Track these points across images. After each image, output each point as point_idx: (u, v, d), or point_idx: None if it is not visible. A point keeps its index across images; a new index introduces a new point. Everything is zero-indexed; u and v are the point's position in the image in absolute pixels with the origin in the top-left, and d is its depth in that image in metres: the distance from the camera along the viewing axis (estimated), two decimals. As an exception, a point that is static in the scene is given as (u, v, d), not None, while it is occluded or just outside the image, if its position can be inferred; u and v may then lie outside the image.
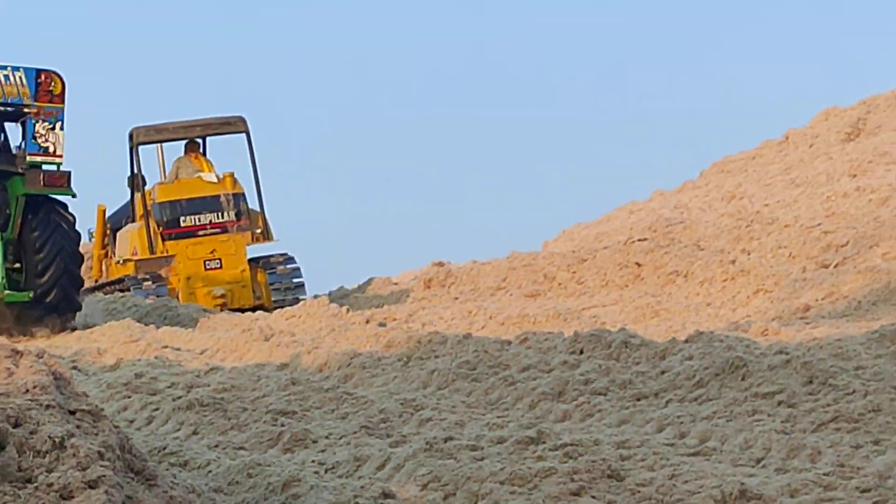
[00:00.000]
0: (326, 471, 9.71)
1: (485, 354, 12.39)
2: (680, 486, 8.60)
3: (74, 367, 12.78)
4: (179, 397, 11.40)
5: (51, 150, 13.12)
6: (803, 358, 11.70)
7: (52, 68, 13.02)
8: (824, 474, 8.84)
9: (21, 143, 14.08)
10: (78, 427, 7.90)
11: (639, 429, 10.87)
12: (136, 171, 26.63)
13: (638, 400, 11.60)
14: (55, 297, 13.97)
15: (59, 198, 14.45)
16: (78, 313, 15.06)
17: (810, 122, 29.48)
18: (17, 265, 13.93)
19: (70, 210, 14.53)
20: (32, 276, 14.03)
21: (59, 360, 9.39)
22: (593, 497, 8.47)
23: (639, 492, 8.66)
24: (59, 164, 13.79)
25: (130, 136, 26.00)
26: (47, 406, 7.38)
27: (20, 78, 12.67)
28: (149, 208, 25.01)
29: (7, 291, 13.67)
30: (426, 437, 10.34)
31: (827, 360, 11.84)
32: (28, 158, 13.55)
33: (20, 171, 13.56)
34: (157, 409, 12.44)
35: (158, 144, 27.21)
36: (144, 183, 26.06)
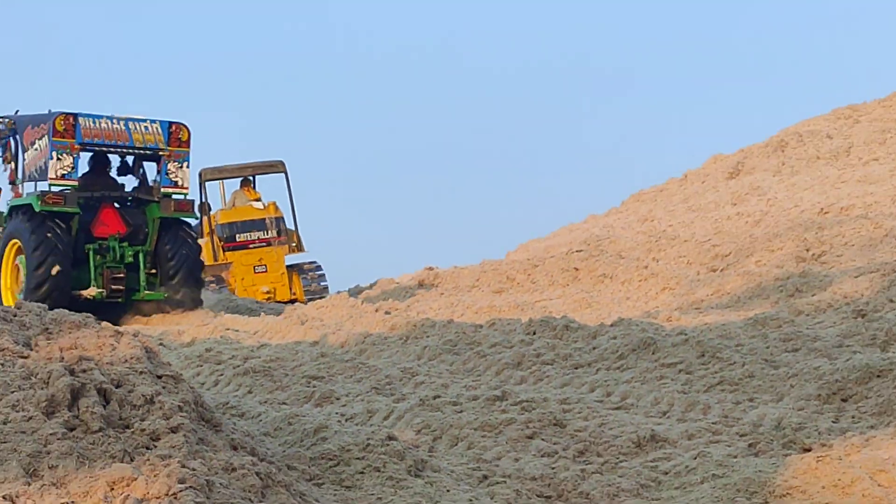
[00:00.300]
0: (346, 420, 9.81)
1: (463, 335, 12.59)
2: (607, 432, 8.71)
3: (161, 344, 12.78)
4: (238, 366, 11.43)
5: (179, 183, 13.55)
6: (697, 338, 11.89)
7: (181, 121, 13.66)
8: (713, 423, 9.09)
9: (156, 178, 14.11)
10: (163, 388, 7.90)
11: (576, 390, 10.93)
12: (203, 200, 26.14)
13: (576, 368, 11.65)
14: (182, 296, 14.08)
15: (186, 219, 14.57)
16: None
17: (703, 165, 29.86)
18: (153, 271, 14.01)
19: (192, 228, 14.82)
20: (165, 280, 14.12)
21: (150, 338, 9.38)
22: (543, 440, 8.61)
23: (577, 436, 8.76)
24: (185, 194, 14.04)
25: (199, 175, 25.48)
26: (140, 372, 7.32)
27: (156, 129, 13.04)
28: (213, 227, 25.22)
29: (146, 291, 13.85)
30: (420, 396, 10.30)
31: (715, 339, 11.94)
32: (162, 190, 13.81)
33: (156, 199, 13.80)
34: (221, 375, 12.38)
35: (220, 181, 27.93)
36: (210, 209, 25.87)
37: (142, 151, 13.90)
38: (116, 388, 7.30)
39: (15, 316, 8.01)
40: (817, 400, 9.47)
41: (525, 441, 8.81)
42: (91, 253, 13.87)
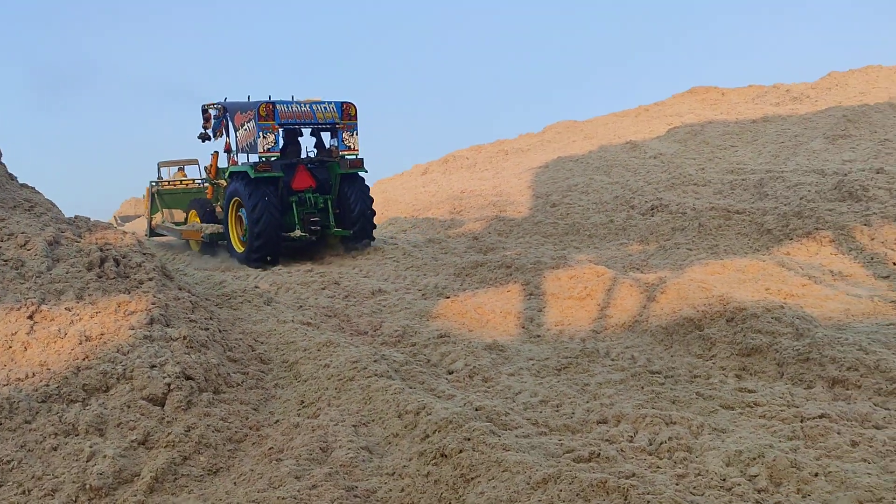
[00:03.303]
0: (236, 279, 11.69)
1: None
2: (359, 288, 11.11)
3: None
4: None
5: (352, 147, 14.06)
6: (403, 246, 14.62)
7: (350, 100, 14.15)
8: (406, 285, 11.19)
9: (333, 143, 14.41)
10: (146, 259, 10.61)
11: (348, 269, 12.78)
12: (159, 177, 30.13)
13: (354, 259, 13.79)
14: (360, 232, 14.29)
15: (359, 174, 14.59)
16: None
17: (411, 168, 31.14)
18: (337, 211, 14.31)
19: (364, 181, 14.78)
20: (347, 220, 14.27)
21: (135, 233, 10.65)
22: (328, 290, 11.05)
23: (345, 288, 11.26)
24: (356, 155, 14.32)
25: (158, 164, 28.46)
26: (135, 251, 9.61)
27: (332, 107, 13.81)
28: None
29: (336, 229, 14.18)
30: (271, 269, 12.81)
31: (410, 247, 14.38)
32: (340, 153, 14.23)
33: (336, 160, 14.24)
34: (175, 256, 15.99)
35: (168, 167, 30.48)
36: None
37: (323, 125, 14.24)
38: (123, 258, 9.57)
39: (72, 222, 10.41)
40: (454, 276, 11.84)
41: (320, 290, 11.33)
42: (294, 204, 14.07)
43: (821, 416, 5.67)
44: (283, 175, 13.76)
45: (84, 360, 6.86)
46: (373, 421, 6.24)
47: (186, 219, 16.49)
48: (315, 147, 14.88)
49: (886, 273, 9.39)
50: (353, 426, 6.09)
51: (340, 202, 14.37)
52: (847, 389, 6.25)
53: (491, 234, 15.41)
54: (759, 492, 4.68)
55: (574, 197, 17.22)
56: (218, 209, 15.63)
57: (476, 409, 6.14)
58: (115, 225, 16.33)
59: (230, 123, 14.52)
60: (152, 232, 17.33)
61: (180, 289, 9.97)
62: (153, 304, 8.46)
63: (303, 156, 14.80)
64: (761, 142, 19.72)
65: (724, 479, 4.83)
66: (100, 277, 9.30)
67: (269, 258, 13.60)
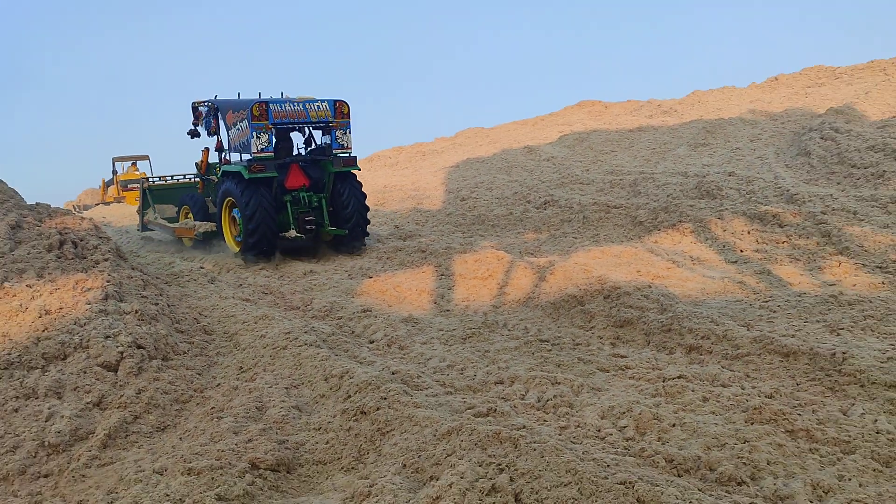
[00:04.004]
0: (183, 260, 11.81)
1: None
2: (290, 270, 11.78)
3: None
4: (140, 237, 12.71)
5: (345, 145, 12.32)
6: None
7: (342, 98, 12.39)
8: (335, 267, 11.01)
9: (324, 142, 12.74)
10: (102, 241, 9.84)
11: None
12: (114, 170, 29.63)
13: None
14: (354, 230, 12.48)
15: (353, 171, 12.75)
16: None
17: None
18: (330, 209, 12.55)
19: (357, 179, 12.96)
20: (341, 219, 12.50)
21: (92, 219, 10.34)
22: (266, 270, 10.95)
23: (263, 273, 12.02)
24: (349, 153, 12.54)
25: (112, 159, 29.32)
26: (92, 234, 9.46)
27: (325, 106, 12.04)
28: (117, 182, 28.70)
29: (330, 227, 12.43)
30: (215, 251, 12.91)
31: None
32: (333, 152, 12.45)
33: (329, 158, 12.44)
34: (131, 240, 14.37)
35: (121, 161, 29.85)
36: (116, 174, 29.54)
37: (316, 124, 12.45)
38: (81, 240, 9.59)
39: (34, 208, 10.08)
40: (377, 259, 11.68)
41: (258, 270, 11.28)
42: (288, 204, 12.28)
43: (679, 377, 5.85)
44: (277, 175, 12.05)
45: (44, 331, 6.69)
46: (302, 384, 6.21)
47: (178, 214, 14.87)
48: (305, 144, 13.22)
49: (735, 259, 9.73)
50: (286, 388, 6.07)
51: (333, 200, 12.63)
52: (701, 355, 6.46)
53: (409, 223, 15.41)
54: (627, 440, 4.81)
55: (480, 192, 17.35)
56: (210, 205, 14.09)
57: (392, 373, 6.16)
58: (75, 212, 15.16)
59: (222, 122, 12.95)
60: (144, 227, 15.47)
61: (133, 269, 9.81)
62: (108, 281, 8.30)
63: (294, 153, 13.24)
64: (636, 148, 20.16)
65: (598, 430, 4.95)
66: (59, 258, 9.13)
67: (265, 252, 11.93)
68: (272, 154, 11.94)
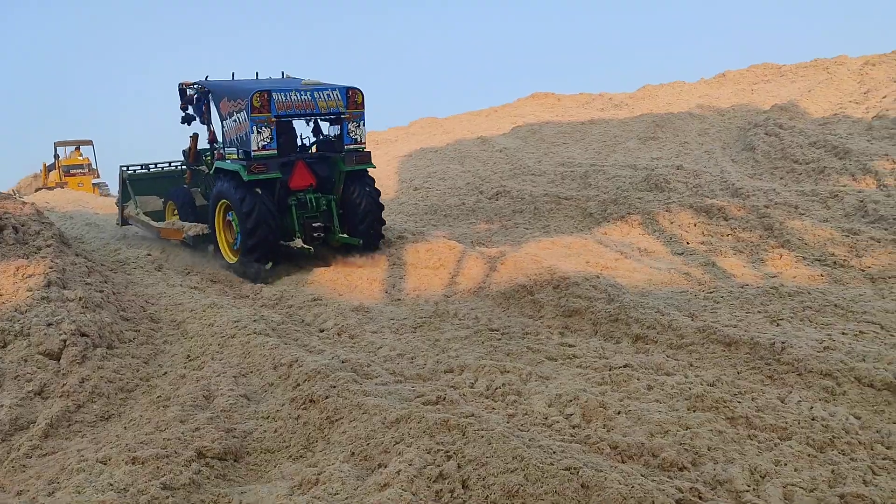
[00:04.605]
0: (129, 248, 11.71)
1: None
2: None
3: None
4: (86, 222, 11.70)
5: (358, 139, 10.41)
6: None
7: (356, 86, 10.43)
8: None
9: (331, 133, 10.88)
10: (44, 227, 9.74)
11: None
12: (56, 155, 28.92)
13: None
14: (368, 238, 10.55)
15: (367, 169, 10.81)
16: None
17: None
18: (340, 212, 10.57)
19: (372, 178, 10.98)
20: (353, 224, 10.58)
21: (35, 204, 10.22)
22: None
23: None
24: (363, 148, 10.61)
25: (54, 143, 28.83)
26: (34, 220, 9.30)
27: (337, 95, 10.09)
28: (59, 166, 28.35)
29: (341, 235, 10.46)
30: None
31: None
32: (345, 147, 10.47)
33: (340, 154, 10.49)
34: (75, 225, 14.05)
35: (64, 146, 29.52)
36: (57, 158, 28.98)
37: (326, 116, 10.52)
38: (22, 226, 9.52)
39: None
40: (328, 247, 10.93)
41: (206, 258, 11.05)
42: (293, 208, 10.33)
43: (625, 366, 5.95)
44: (280, 176, 10.12)
45: (-18, 318, 6.55)
46: (251, 372, 6.17)
47: (164, 210, 12.84)
48: (312, 134, 11.22)
49: (681, 250, 9.93)
50: (234, 377, 6.02)
51: (344, 202, 10.67)
52: (646, 344, 6.59)
53: (361, 212, 15.18)
54: (573, 427, 4.89)
55: (433, 182, 17.39)
56: (199, 196, 12.30)
57: (342, 362, 6.15)
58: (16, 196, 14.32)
59: (216, 110, 10.85)
60: (124, 221, 13.22)
61: (77, 255, 9.68)
62: (50, 268, 8.17)
63: (298, 146, 11.15)
64: (587, 140, 20.38)
65: (546, 418, 5.02)
66: (-1, 244, 8.93)
67: (267, 266, 10.10)
68: (275, 152, 10.03)
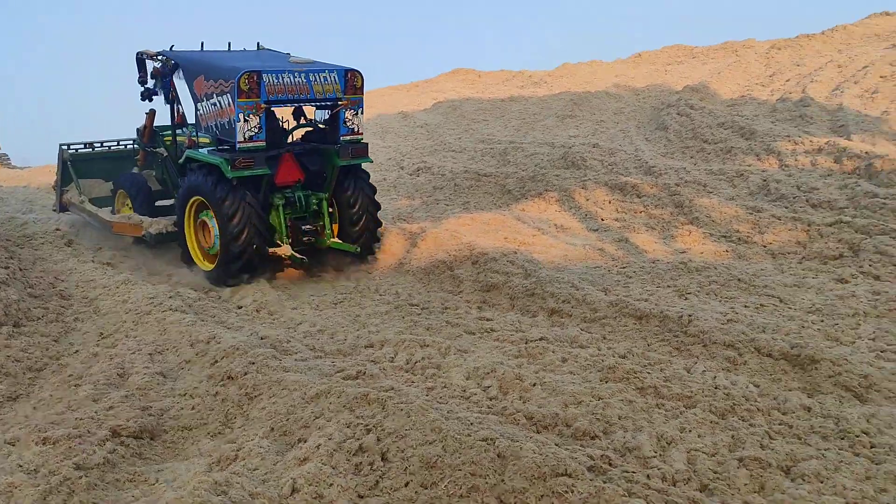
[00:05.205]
0: (37, 222, 11.00)
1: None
2: None
3: None
4: None
5: (356, 130, 8.84)
6: None
7: (356, 68, 8.82)
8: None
9: (320, 119, 9.20)
10: None
11: None
12: None
13: None
14: (363, 241, 8.98)
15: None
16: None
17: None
18: (330, 210, 9.00)
19: (367, 173, 9.38)
20: (344, 226, 9.03)
21: None
22: None
23: None
24: (360, 139, 9.01)
25: None
26: None
27: (334, 78, 8.48)
28: None
29: (334, 240, 8.85)
30: None
31: None
32: (341, 138, 8.83)
33: (334, 147, 8.83)
34: None
35: None
36: None
37: (322, 102, 8.78)
38: None
39: None
40: None
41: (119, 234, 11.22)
42: (280, 207, 8.64)
43: (540, 339, 6.11)
44: (269, 172, 8.45)
45: None
46: (167, 349, 6.07)
47: (114, 198, 10.72)
48: (293, 119, 9.47)
49: (596, 227, 10.18)
50: (149, 354, 5.91)
51: (335, 199, 9.11)
52: (562, 318, 6.77)
53: (280, 187, 15.01)
54: (490, 399, 5.00)
55: (353, 157, 17.16)
56: (154, 182, 10.48)
57: (261, 338, 6.12)
58: None
59: (188, 88, 8.93)
60: (62, 208, 11.08)
61: (-13, 234, 9.19)
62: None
63: (284, 134, 9.32)
64: (507, 118, 20.55)
65: (464, 390, 5.12)
66: None
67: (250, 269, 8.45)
68: (264, 143, 8.31)
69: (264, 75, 8.10)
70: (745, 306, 6.77)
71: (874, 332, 6.04)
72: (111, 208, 10.55)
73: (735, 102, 16.16)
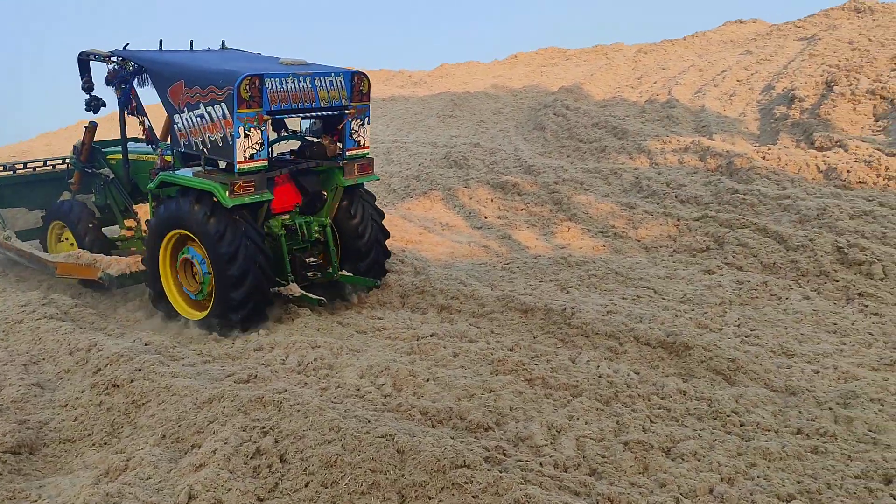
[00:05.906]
0: None
1: None
2: None
3: None
4: None
5: (362, 143, 7.46)
6: None
7: (362, 70, 7.58)
8: None
9: (311, 127, 7.70)
10: None
11: None
12: None
13: None
14: (372, 273, 7.55)
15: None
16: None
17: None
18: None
19: (371, 193, 7.92)
20: (350, 256, 7.54)
21: None
22: None
23: None
24: (366, 154, 7.59)
25: None
26: None
27: (341, 82, 7.07)
28: None
29: (342, 272, 7.39)
30: None
31: None
32: (347, 153, 7.39)
33: (337, 163, 7.36)
34: None
35: None
36: None
37: (328, 111, 7.16)
38: None
39: None
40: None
41: None
42: (282, 240, 7.04)
43: (432, 335, 6.20)
44: (272, 198, 6.93)
45: None
46: (43, 359, 5.78)
47: (46, 232, 8.69)
48: (275, 129, 7.67)
49: (480, 225, 10.40)
50: (24, 365, 5.61)
51: (338, 224, 7.61)
52: (451, 314, 6.89)
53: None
54: (385, 396, 5.04)
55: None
56: (94, 209, 8.64)
57: (145, 344, 5.91)
58: None
59: (162, 97, 7.05)
60: None
61: None
62: None
63: (275, 149, 7.96)
64: (389, 117, 20.61)
65: (358, 389, 5.14)
66: None
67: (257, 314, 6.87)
68: (266, 163, 6.75)
69: (267, 80, 6.50)
70: (623, 298, 7.10)
71: (738, 319, 6.47)
72: (39, 243, 8.69)
73: (607, 103, 16.84)
